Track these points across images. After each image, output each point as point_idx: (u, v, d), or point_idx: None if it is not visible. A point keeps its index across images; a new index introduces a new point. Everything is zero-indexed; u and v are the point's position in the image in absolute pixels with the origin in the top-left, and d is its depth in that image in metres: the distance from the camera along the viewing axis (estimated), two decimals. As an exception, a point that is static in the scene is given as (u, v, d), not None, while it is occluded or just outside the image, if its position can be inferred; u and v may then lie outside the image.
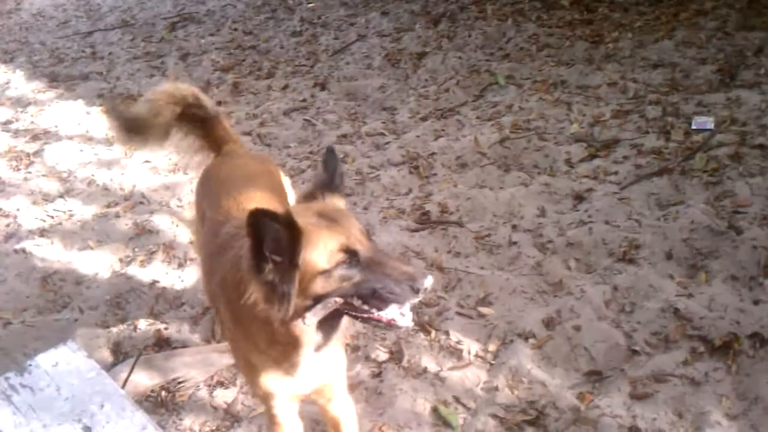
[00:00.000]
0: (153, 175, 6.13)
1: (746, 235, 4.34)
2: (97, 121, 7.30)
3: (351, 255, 2.20)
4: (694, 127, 5.61)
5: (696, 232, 4.46)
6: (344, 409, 3.05)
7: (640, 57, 6.98)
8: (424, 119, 6.55)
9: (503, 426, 3.48)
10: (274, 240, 2.13)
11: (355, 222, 2.29)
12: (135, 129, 3.76)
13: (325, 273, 2.20)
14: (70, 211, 5.67)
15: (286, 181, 3.66)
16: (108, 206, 5.71)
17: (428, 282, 2.19)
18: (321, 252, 2.18)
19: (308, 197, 2.43)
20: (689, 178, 5.03)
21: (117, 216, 5.53)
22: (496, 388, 3.67)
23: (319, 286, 2.21)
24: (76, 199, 5.85)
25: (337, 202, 2.41)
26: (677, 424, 3.36)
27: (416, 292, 2.19)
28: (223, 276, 2.68)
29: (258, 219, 2.08)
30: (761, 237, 4.30)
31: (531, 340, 3.93)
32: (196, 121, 3.81)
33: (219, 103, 7.41)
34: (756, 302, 3.94)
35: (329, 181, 2.43)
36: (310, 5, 10.26)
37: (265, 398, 2.80)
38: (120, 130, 3.82)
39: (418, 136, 6.20)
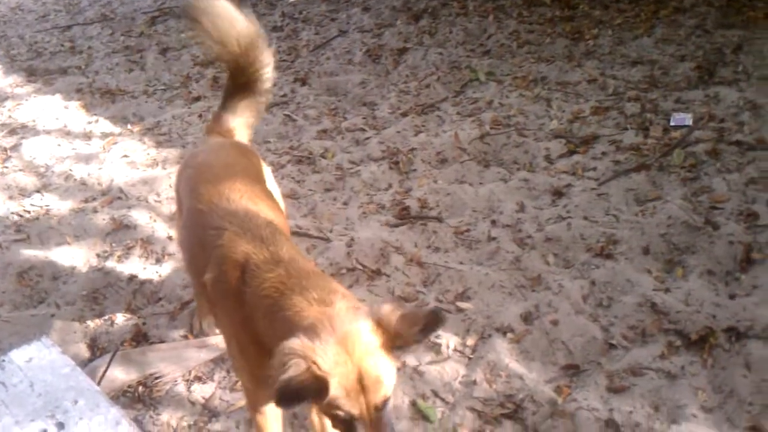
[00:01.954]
0: (131, 169, 6.08)
1: (723, 231, 4.38)
2: (76, 115, 7.24)
3: (350, 421, 2.22)
4: (672, 123, 5.65)
5: (673, 228, 4.49)
6: None
7: (619, 54, 7.02)
8: (404, 115, 6.54)
9: (481, 419, 3.48)
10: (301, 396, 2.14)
11: (383, 392, 2.23)
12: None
13: (323, 409, 2.26)
14: (47, 206, 5.61)
15: (266, 171, 3.63)
16: (85, 201, 5.66)
17: None
18: (330, 405, 2.19)
19: (388, 337, 2.26)
20: (667, 174, 5.06)
21: (94, 211, 5.47)
22: (475, 382, 3.67)
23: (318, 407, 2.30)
24: (53, 194, 5.80)
25: (386, 361, 2.26)
26: (653, 416, 3.38)
27: None
28: (217, 277, 2.71)
29: (287, 395, 2.08)
30: (738, 232, 4.34)
31: (509, 335, 3.94)
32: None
33: (198, 98, 7.38)
34: (732, 297, 3.97)
35: (415, 342, 2.28)
36: (291, 0, 10.22)
37: (256, 389, 2.81)
38: None
39: (398, 132, 6.20)
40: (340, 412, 2.20)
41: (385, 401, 2.24)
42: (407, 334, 2.21)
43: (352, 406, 2.18)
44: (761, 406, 3.35)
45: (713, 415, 3.36)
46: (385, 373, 2.23)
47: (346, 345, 2.17)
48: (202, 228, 2.91)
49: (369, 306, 2.36)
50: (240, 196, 3.00)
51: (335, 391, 2.13)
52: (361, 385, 2.17)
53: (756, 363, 3.53)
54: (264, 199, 3.12)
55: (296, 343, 2.17)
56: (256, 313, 2.52)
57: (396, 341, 2.24)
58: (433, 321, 2.21)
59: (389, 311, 2.25)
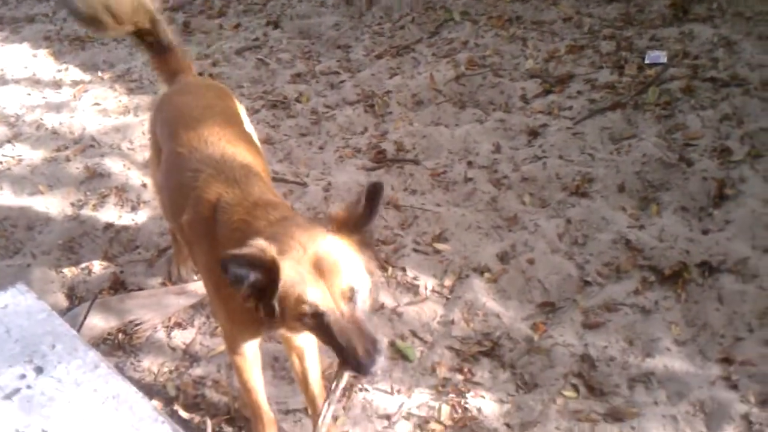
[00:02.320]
0: (103, 117, 5.99)
1: (697, 167, 4.41)
2: (45, 63, 7.09)
3: (317, 315, 2.22)
4: (647, 61, 5.63)
5: (648, 165, 4.52)
6: (309, 340, 3.07)
7: (595, -8, 6.94)
8: (379, 57, 6.47)
9: (459, 357, 3.54)
10: (255, 280, 2.18)
11: (346, 278, 2.24)
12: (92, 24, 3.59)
13: (291, 313, 2.26)
14: (19, 156, 5.53)
15: (241, 110, 3.60)
16: (58, 150, 5.58)
17: (376, 367, 2.22)
18: (292, 301, 2.22)
19: (341, 225, 2.35)
20: (642, 112, 5.07)
21: (67, 160, 5.41)
22: (452, 322, 3.72)
23: (288, 316, 2.28)
24: (24, 143, 5.71)
25: (345, 247, 2.32)
26: (628, 351, 3.45)
27: (359, 371, 2.24)
28: (193, 218, 2.75)
29: (234, 267, 2.14)
30: (711, 168, 4.38)
31: (486, 275, 3.98)
32: (150, 48, 3.71)
33: (170, 43, 7.23)
34: (705, 232, 4.03)
35: (366, 220, 2.33)
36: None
37: (233, 329, 2.85)
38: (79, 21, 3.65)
39: (373, 75, 6.14)
40: (306, 306, 2.21)
41: (353, 291, 2.26)
42: (355, 213, 2.32)
43: (313, 294, 2.20)
44: (733, 338, 3.43)
45: (686, 347, 3.44)
46: (343, 257, 2.28)
47: (301, 240, 2.26)
48: (181, 170, 2.92)
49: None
50: (219, 139, 3.01)
51: (288, 272, 2.18)
52: (320, 271, 2.22)
53: (728, 296, 3.60)
54: (242, 142, 3.11)
55: (254, 241, 2.25)
56: (228, 248, 2.53)
57: (349, 226, 2.34)
58: (371, 190, 2.29)
59: (334, 209, 2.34)
